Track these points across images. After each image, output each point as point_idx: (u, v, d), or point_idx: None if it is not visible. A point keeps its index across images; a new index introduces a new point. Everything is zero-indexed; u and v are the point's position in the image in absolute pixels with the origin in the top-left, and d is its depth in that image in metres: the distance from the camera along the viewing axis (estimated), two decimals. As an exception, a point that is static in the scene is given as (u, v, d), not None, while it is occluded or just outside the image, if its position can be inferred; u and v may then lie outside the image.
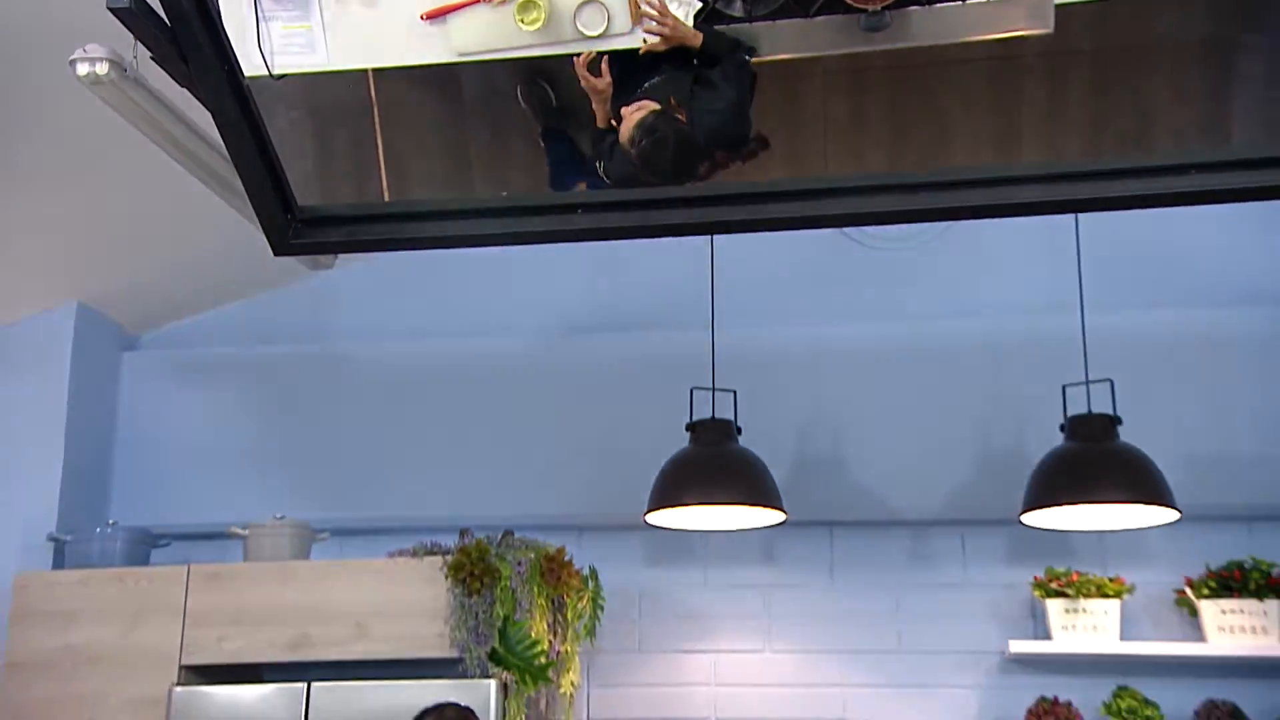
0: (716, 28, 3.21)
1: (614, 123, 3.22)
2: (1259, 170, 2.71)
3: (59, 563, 4.44)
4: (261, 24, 2.91)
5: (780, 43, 3.50)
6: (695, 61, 3.29)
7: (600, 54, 3.33)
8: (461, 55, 3.19)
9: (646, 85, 3.37)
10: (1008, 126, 4.29)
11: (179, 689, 3.98)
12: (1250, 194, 2.81)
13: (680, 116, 3.13)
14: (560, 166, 3.39)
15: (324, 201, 2.90)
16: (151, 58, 2.54)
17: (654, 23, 3.06)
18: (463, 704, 2.94)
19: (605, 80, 3.39)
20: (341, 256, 4.73)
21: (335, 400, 4.70)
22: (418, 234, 2.68)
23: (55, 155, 3.89)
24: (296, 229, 2.68)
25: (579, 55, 3.30)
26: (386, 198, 3.62)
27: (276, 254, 2.70)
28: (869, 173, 4.08)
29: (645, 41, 3.03)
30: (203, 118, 2.81)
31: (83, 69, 2.97)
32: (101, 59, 2.95)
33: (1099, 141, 4.29)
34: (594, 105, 3.40)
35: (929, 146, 4.38)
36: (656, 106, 3.13)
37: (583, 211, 2.72)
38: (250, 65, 3.06)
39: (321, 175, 3.79)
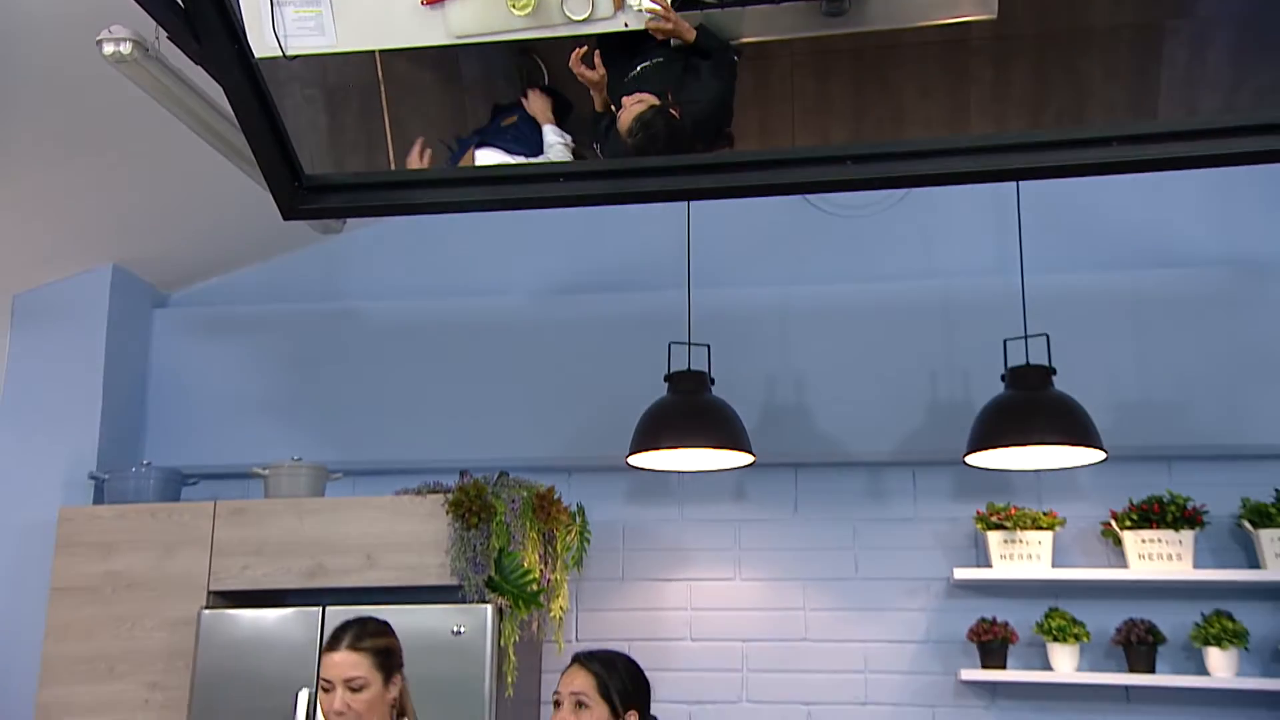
0: (691, 12, 3.22)
1: (613, 108, 3.22)
2: (1182, 142, 2.70)
3: (99, 499, 4.44)
4: (275, 9, 2.92)
5: (749, 26, 3.50)
6: (688, 53, 3.30)
7: (592, 48, 3.35)
8: (458, 38, 3.19)
9: (638, 69, 3.37)
10: (957, 103, 4.31)
11: (207, 611, 4.00)
12: (1173, 164, 2.79)
13: (675, 112, 3.13)
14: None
15: (336, 170, 2.93)
16: (169, 38, 2.53)
17: (658, 17, 3.08)
18: (381, 619, 2.91)
19: (599, 72, 3.39)
20: (350, 222, 4.74)
21: (346, 353, 4.70)
22: (413, 200, 2.68)
23: (90, 130, 3.87)
24: (303, 195, 2.67)
25: (573, 50, 3.32)
26: (393, 167, 3.63)
27: (285, 218, 2.69)
28: (832, 144, 4.10)
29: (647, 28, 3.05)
30: (218, 93, 2.80)
31: (108, 49, 2.98)
32: (125, 39, 2.95)
33: (1039, 117, 4.31)
34: (592, 93, 3.41)
35: (886, 121, 4.41)
36: (655, 101, 3.13)
37: (564, 180, 2.72)
38: (264, 47, 3.05)
39: (333, 147, 3.80)
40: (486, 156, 3.51)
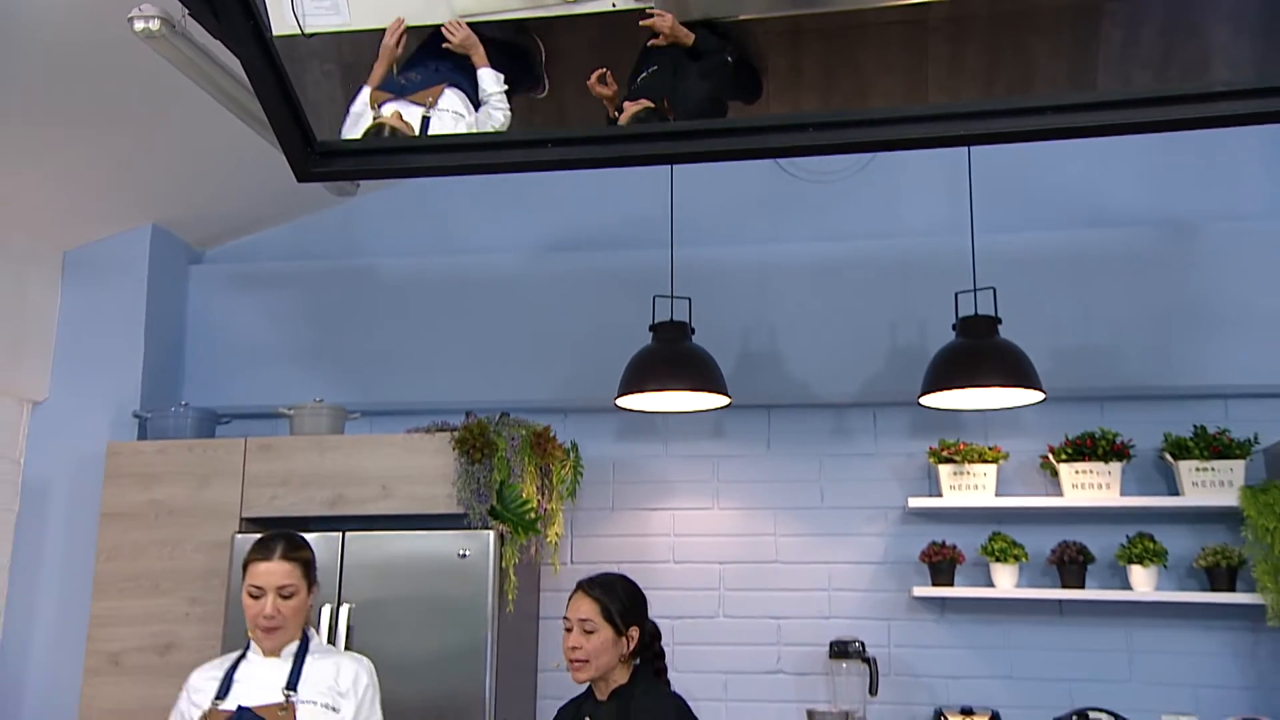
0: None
1: (616, 114, 3.17)
2: (1116, 110, 2.68)
3: (142, 435, 4.43)
4: (295, -9, 2.88)
5: (722, 6, 3.44)
6: (685, 56, 3.24)
7: (603, 70, 3.27)
8: (461, 16, 3.14)
9: (639, 80, 3.33)
10: (916, 78, 4.26)
11: (240, 535, 4.00)
12: (1108, 130, 2.76)
13: (670, 116, 3.09)
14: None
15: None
16: (190, 14, 2.49)
17: (657, 22, 3.04)
18: (295, 533, 2.90)
19: (611, 89, 3.33)
20: (365, 187, 4.71)
21: (363, 305, 4.68)
22: (413, 164, 2.64)
23: (129, 103, 3.83)
24: (315, 160, 2.63)
25: (590, 77, 3.24)
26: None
27: (300, 180, 2.66)
28: (803, 112, 4.05)
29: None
30: (239, 66, 2.77)
31: (139, 25, 2.94)
32: (154, 16, 2.91)
33: (990, 90, 4.26)
34: (607, 106, 3.34)
35: (852, 95, 4.36)
36: (650, 104, 3.09)
37: (552, 145, 2.68)
38: (284, 25, 3.01)
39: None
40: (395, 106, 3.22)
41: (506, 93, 3.24)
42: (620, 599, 2.80)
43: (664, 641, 4.39)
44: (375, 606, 3.86)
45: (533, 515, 4.02)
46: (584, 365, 4.37)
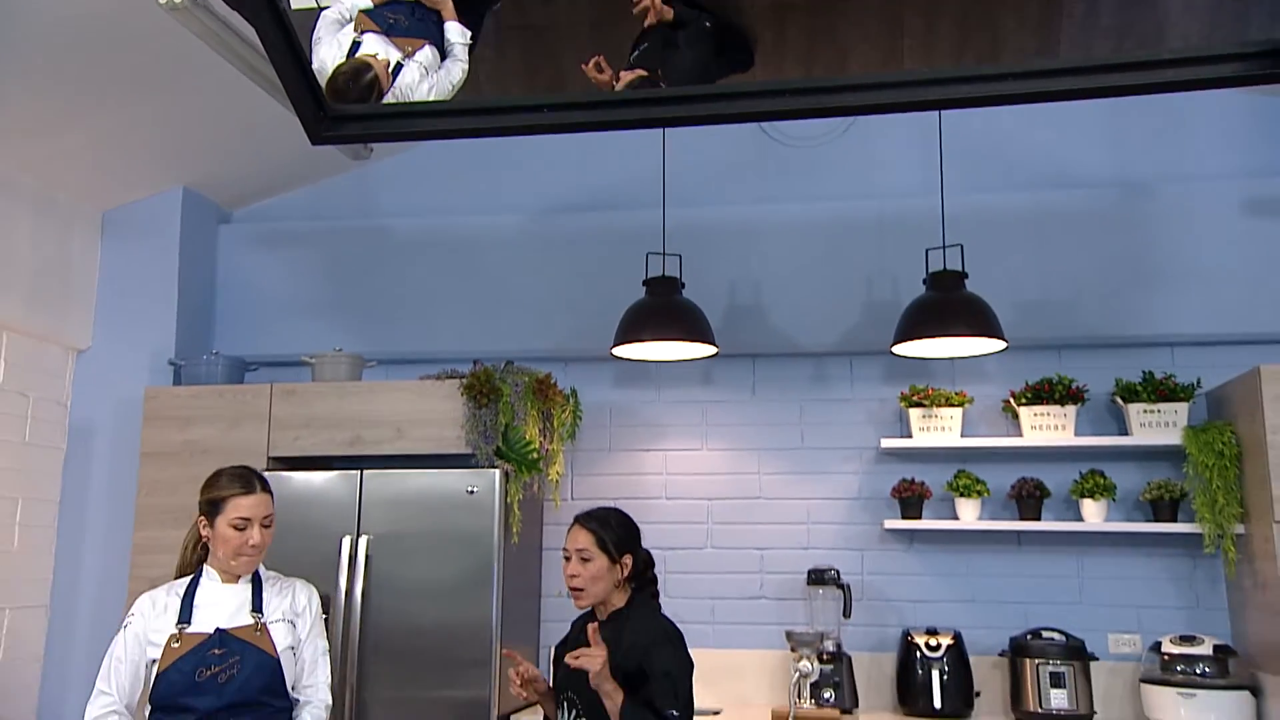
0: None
1: (613, 86, 3.13)
2: (1078, 76, 2.65)
3: (177, 381, 4.44)
4: (311, -35, 2.83)
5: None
6: (669, 29, 3.18)
7: (598, 57, 3.19)
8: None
9: (636, 54, 3.27)
10: (892, 50, 4.22)
11: (269, 472, 3.95)
12: (1070, 94, 2.74)
13: (662, 85, 3.03)
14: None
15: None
16: (208, -14, 2.47)
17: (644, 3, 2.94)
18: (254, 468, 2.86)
19: (606, 73, 3.27)
20: (379, 152, 4.69)
21: (379, 262, 4.67)
22: (416, 128, 2.61)
23: (159, 72, 3.80)
24: (327, 124, 2.59)
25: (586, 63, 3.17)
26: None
27: (313, 143, 2.61)
28: (787, 79, 4.02)
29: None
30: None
31: (163, -1, 2.92)
32: (178, -10, 2.89)
33: (961, 59, 4.22)
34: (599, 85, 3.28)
35: (833, 60, 4.32)
36: (644, 74, 3.04)
37: (548, 110, 2.65)
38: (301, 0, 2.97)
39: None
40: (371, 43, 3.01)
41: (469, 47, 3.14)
42: (614, 530, 2.80)
43: (657, 570, 4.46)
44: (391, 538, 3.88)
45: (535, 455, 4.04)
46: (582, 317, 4.37)
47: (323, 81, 2.62)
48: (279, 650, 2.65)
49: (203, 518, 2.71)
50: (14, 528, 4.25)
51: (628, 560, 2.79)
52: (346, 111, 2.60)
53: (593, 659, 2.53)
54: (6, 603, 4.19)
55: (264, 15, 2.40)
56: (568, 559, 2.78)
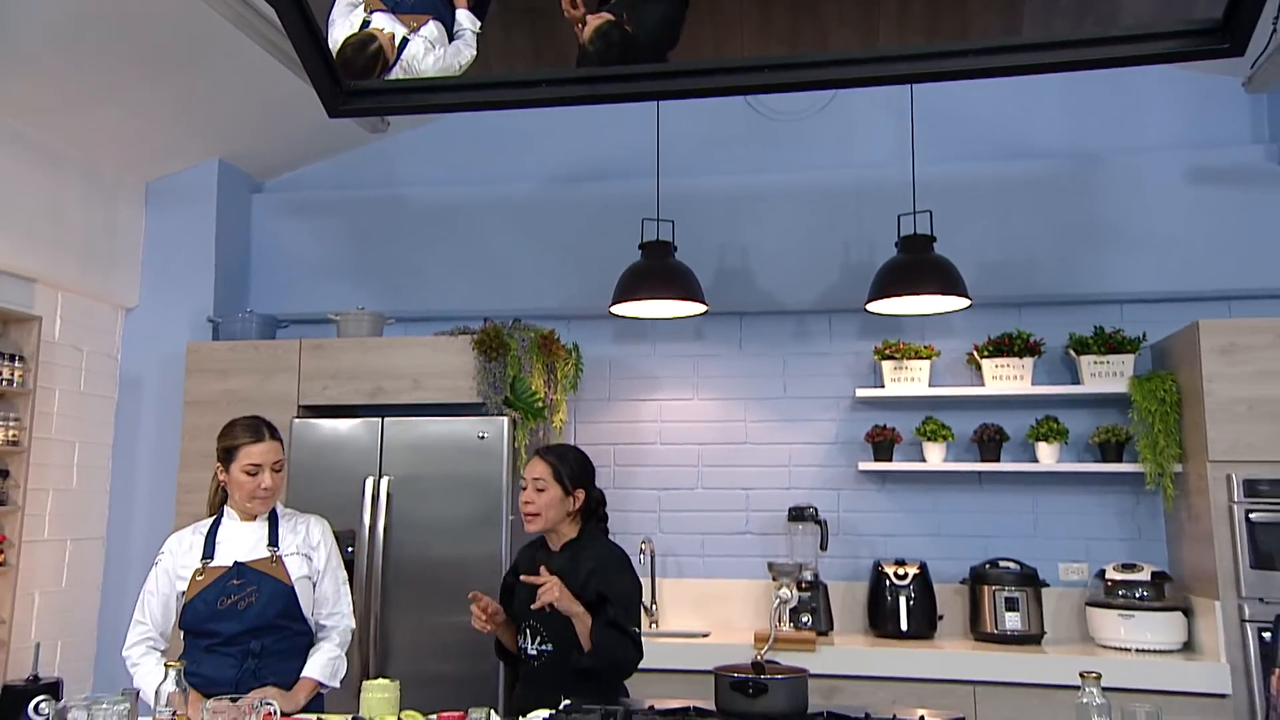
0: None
1: (580, 26, 3.08)
2: (1037, 51, 2.63)
3: (215, 336, 4.46)
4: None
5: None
6: None
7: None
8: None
9: (611, 3, 3.20)
10: (869, 29, 4.17)
11: (298, 420, 4.03)
12: (1029, 69, 2.69)
13: (628, 29, 2.98)
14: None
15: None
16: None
17: None
18: (263, 417, 2.81)
19: (580, 10, 3.20)
20: (395, 126, 4.66)
21: (398, 227, 4.65)
22: (423, 101, 2.59)
23: (195, 53, 3.78)
24: (343, 98, 2.57)
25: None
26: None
27: (330, 116, 2.59)
28: (772, 55, 3.97)
29: None
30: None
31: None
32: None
33: (932, 38, 4.18)
34: (573, 25, 3.22)
35: (814, 38, 4.27)
36: (611, 18, 2.99)
37: (546, 85, 2.63)
38: None
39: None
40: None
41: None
42: (570, 465, 2.76)
43: (650, 510, 4.51)
44: (410, 480, 3.90)
45: (540, 404, 4.05)
46: (583, 278, 4.36)
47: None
48: (293, 580, 2.66)
49: (220, 464, 2.72)
50: (73, 468, 4.29)
51: (580, 494, 2.75)
52: (360, 87, 2.59)
53: (551, 590, 2.51)
54: (68, 535, 4.25)
55: (283, -2, 2.38)
56: (524, 487, 2.74)
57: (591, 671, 2.56)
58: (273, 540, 2.70)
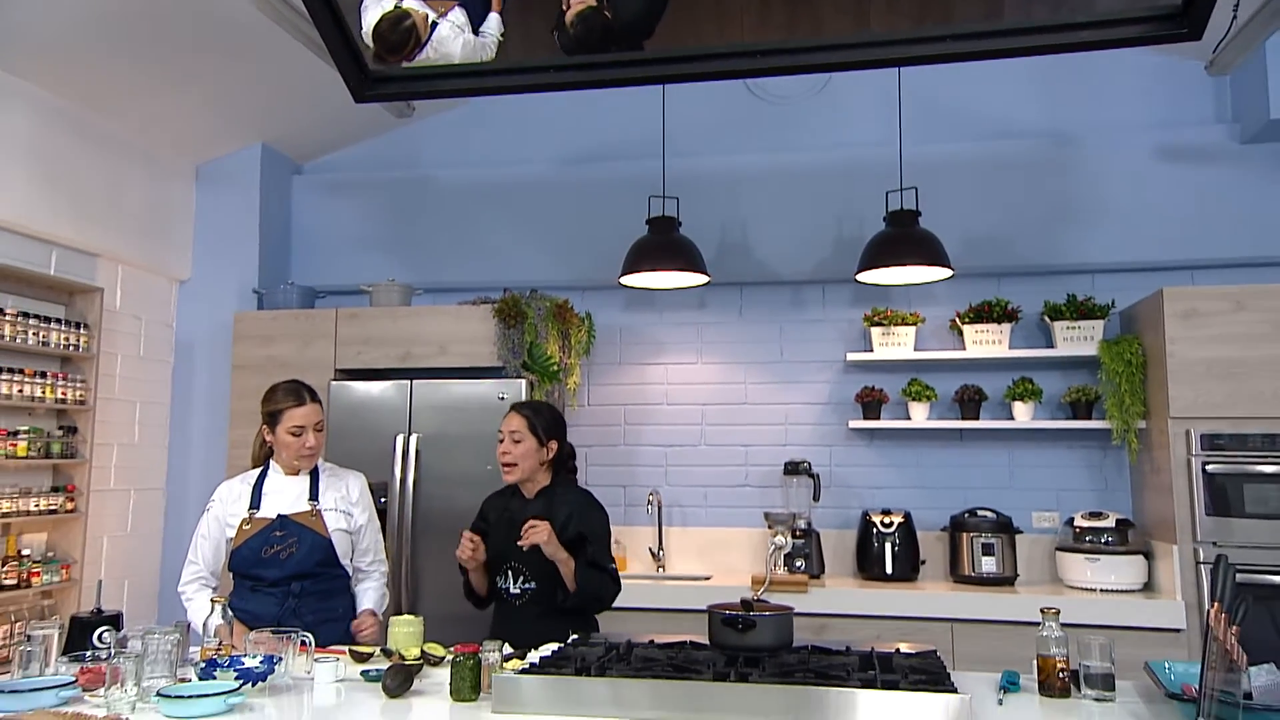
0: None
1: (565, 8, 2.99)
2: (1015, 36, 2.60)
3: (260, 306, 4.50)
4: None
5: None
6: None
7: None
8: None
9: None
10: (860, 15, 4.12)
11: (335, 382, 4.08)
12: (1009, 52, 2.65)
13: (607, 14, 2.89)
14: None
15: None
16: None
17: None
18: (303, 380, 2.81)
19: None
20: (421, 112, 4.66)
21: (425, 205, 4.67)
22: (444, 87, 2.60)
23: (241, 44, 3.78)
24: (369, 84, 2.59)
25: None
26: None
27: (356, 101, 2.61)
28: (770, 40, 3.94)
29: None
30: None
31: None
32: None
33: (919, 24, 4.12)
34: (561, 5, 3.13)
35: (810, 25, 4.22)
36: (593, 2, 2.92)
37: (553, 71, 2.63)
38: None
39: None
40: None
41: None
42: (544, 418, 2.73)
43: (657, 465, 4.53)
44: (436, 437, 3.95)
45: (555, 368, 4.08)
46: (595, 252, 4.36)
47: (369, 44, 2.58)
48: (331, 532, 2.70)
49: (265, 426, 2.75)
50: (134, 425, 4.36)
51: (553, 445, 2.74)
52: (383, 74, 2.60)
53: (540, 532, 2.52)
54: (131, 485, 4.34)
55: (311, -5, 2.39)
56: (501, 440, 2.72)
57: (573, 608, 2.59)
58: (314, 494, 2.73)
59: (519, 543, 2.55)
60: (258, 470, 2.80)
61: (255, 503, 2.71)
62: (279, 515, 2.68)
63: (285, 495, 2.73)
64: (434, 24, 2.79)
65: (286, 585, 2.64)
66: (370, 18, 2.73)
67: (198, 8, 3.48)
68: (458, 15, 3.03)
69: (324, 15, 2.48)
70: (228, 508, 2.73)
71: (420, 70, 2.53)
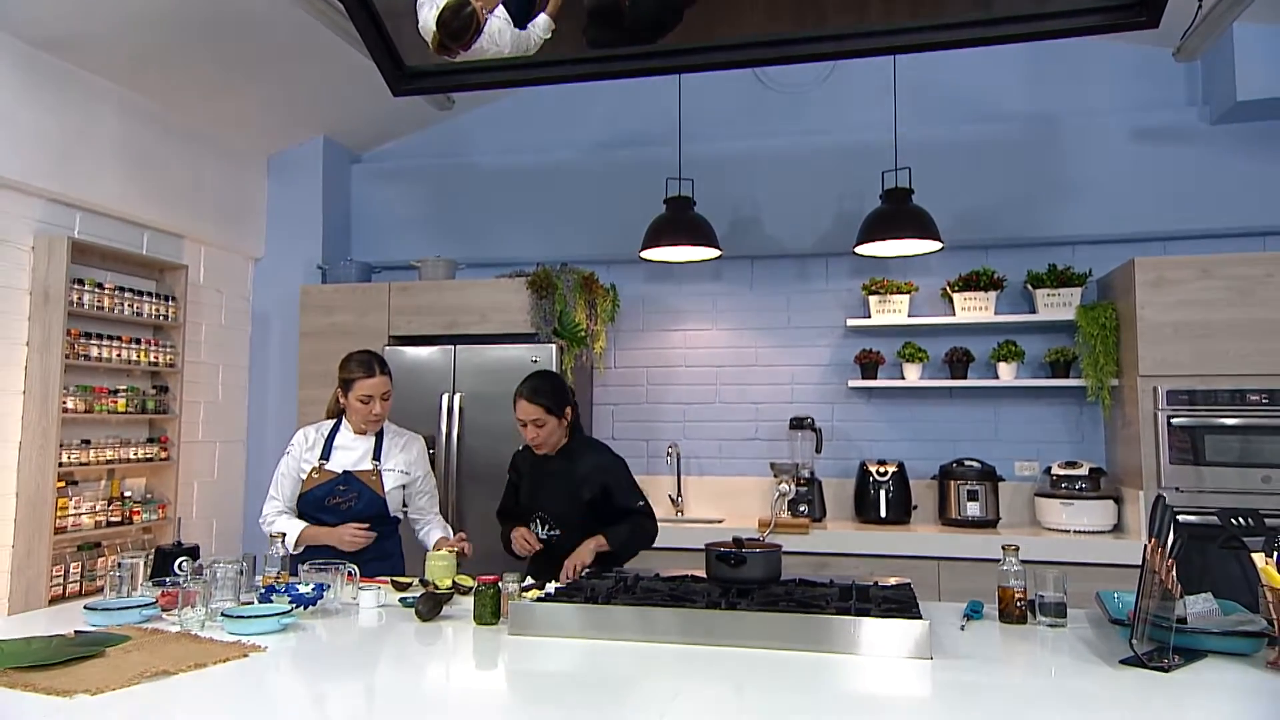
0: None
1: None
2: (993, 25, 2.52)
3: (323, 280, 4.55)
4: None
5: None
6: None
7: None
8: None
9: None
10: (861, 6, 4.02)
11: (388, 347, 4.12)
12: (988, 40, 2.57)
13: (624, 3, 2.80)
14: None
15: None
16: (309, -23, 2.45)
17: None
18: (377, 354, 2.81)
19: None
20: (464, 104, 4.65)
21: (468, 189, 4.67)
22: (474, 80, 2.58)
23: (304, 46, 3.81)
24: (405, 79, 2.60)
25: None
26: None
27: (394, 95, 2.60)
28: (779, 32, 3.86)
29: None
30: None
31: (285, -11, 2.91)
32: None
33: (917, 14, 4.01)
34: None
35: (814, 17, 4.13)
36: None
37: (577, 64, 2.59)
38: None
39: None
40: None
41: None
42: (551, 396, 2.69)
43: (676, 421, 4.54)
44: (477, 396, 3.99)
45: (583, 334, 4.10)
46: (619, 229, 4.33)
47: (427, 38, 2.54)
48: (387, 491, 2.76)
49: (339, 389, 2.80)
50: (218, 385, 4.47)
51: (569, 412, 2.73)
52: (421, 69, 2.60)
53: (573, 569, 2.53)
54: (216, 438, 4.46)
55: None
56: (524, 426, 2.69)
57: (627, 558, 2.63)
58: (377, 454, 2.78)
59: (566, 578, 2.53)
60: (331, 422, 2.86)
61: (326, 453, 2.76)
62: (344, 471, 2.74)
63: (352, 452, 2.78)
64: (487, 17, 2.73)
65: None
66: (425, 16, 2.67)
67: (265, 15, 3.51)
68: (501, 10, 2.98)
69: (361, 14, 2.48)
70: (303, 453, 2.79)
71: (452, 65, 2.52)
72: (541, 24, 2.91)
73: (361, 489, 2.73)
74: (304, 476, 2.75)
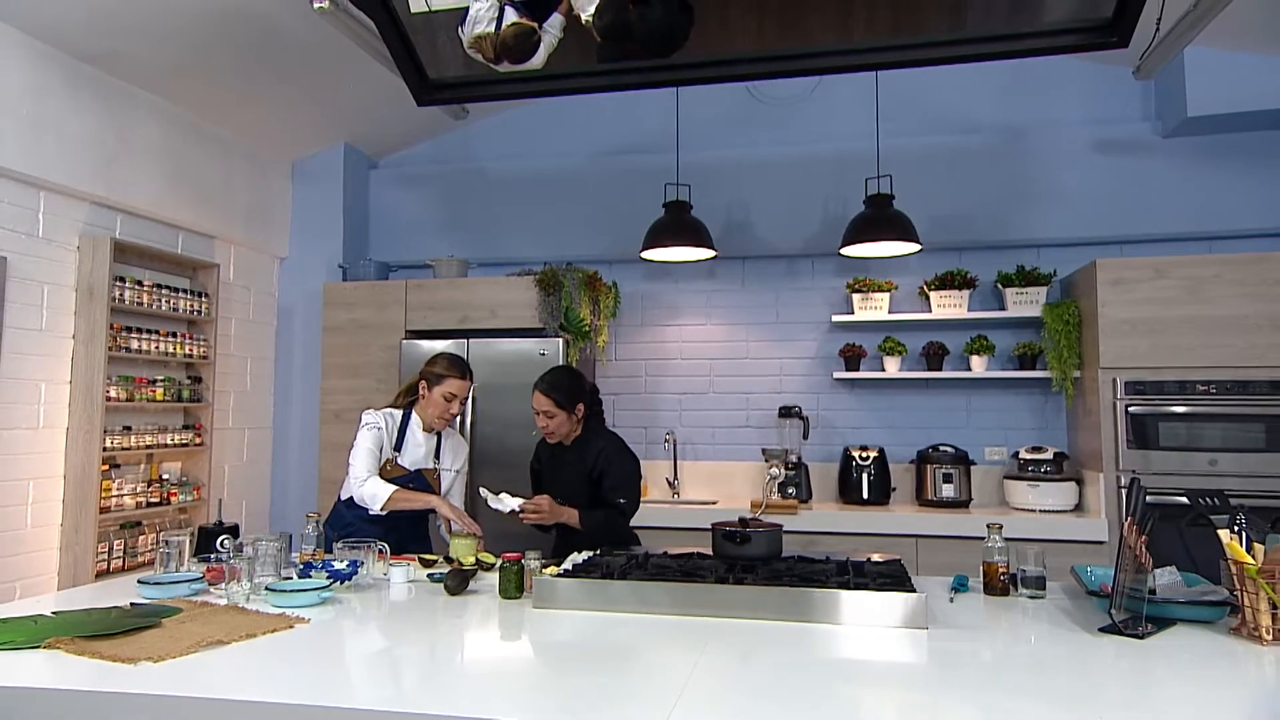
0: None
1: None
2: (971, 44, 2.55)
3: (344, 278, 4.53)
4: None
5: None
6: None
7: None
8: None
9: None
10: (846, 29, 4.03)
11: (405, 341, 4.12)
12: (966, 58, 2.60)
13: (631, 5, 2.75)
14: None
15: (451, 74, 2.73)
16: (343, -4, 2.43)
17: None
18: (454, 355, 2.79)
19: None
20: (477, 113, 4.62)
21: (479, 193, 4.65)
22: (492, 91, 2.57)
23: (326, 59, 3.78)
24: (429, 90, 2.59)
25: None
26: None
27: (418, 105, 2.59)
28: (769, 49, 3.85)
29: None
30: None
31: (316, 5, 2.88)
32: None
33: (897, 33, 4.02)
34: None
35: (801, 36, 4.13)
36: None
37: (585, 77, 2.57)
38: (418, 4, 2.88)
39: (453, 59, 3.61)
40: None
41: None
42: (564, 391, 2.66)
43: (673, 410, 4.55)
44: (489, 387, 3.98)
45: (587, 329, 4.10)
46: (620, 231, 4.35)
47: (474, 48, 2.44)
48: (443, 490, 2.76)
49: (424, 382, 2.70)
50: (246, 376, 4.44)
51: (580, 408, 2.70)
52: (443, 80, 2.59)
53: (539, 516, 2.54)
54: (245, 425, 4.43)
55: (380, 13, 2.38)
56: (537, 415, 2.67)
57: (593, 533, 2.64)
58: (437, 454, 2.76)
59: (522, 518, 2.57)
60: (400, 412, 2.76)
61: (398, 446, 2.69)
62: (417, 470, 2.70)
63: (420, 450, 2.73)
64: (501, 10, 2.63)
65: (395, 517, 2.66)
66: (480, 29, 2.55)
67: (291, 31, 3.48)
68: (511, 14, 2.89)
69: (390, 31, 2.47)
70: (384, 434, 2.68)
71: (472, 77, 2.51)
72: (556, 23, 2.86)
73: (425, 486, 2.71)
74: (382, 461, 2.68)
